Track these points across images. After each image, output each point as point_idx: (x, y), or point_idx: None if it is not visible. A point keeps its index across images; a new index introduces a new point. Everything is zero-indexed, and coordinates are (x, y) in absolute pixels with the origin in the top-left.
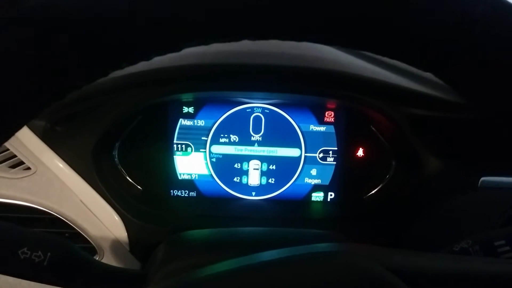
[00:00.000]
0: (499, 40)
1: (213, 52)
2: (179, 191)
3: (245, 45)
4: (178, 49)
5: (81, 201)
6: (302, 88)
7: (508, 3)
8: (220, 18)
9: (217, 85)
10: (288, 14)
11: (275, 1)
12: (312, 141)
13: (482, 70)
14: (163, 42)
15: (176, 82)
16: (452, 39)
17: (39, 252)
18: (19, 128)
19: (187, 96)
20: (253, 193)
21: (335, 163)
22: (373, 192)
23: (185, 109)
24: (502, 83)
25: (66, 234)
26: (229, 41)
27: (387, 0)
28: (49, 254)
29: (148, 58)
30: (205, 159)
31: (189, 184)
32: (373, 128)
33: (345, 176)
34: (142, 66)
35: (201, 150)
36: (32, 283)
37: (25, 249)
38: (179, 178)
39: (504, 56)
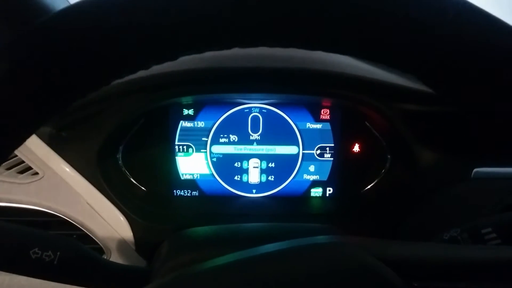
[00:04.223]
0: (469, 45)
1: (210, 57)
2: (182, 191)
3: (241, 49)
4: (174, 58)
5: (87, 203)
6: (297, 88)
7: (477, 8)
8: (212, 30)
9: (215, 88)
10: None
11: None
12: (309, 138)
13: (454, 73)
14: (161, 53)
15: (176, 86)
16: (423, 44)
17: (50, 252)
18: (28, 136)
19: (187, 99)
20: (254, 191)
21: (332, 159)
22: (370, 186)
23: (185, 112)
24: (475, 84)
25: (74, 236)
26: (221, 49)
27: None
28: (58, 253)
29: (147, 67)
30: (206, 159)
31: (191, 183)
32: (367, 124)
33: (343, 172)
34: (143, 72)
35: (202, 150)
36: (43, 285)
37: (36, 249)
38: (182, 178)
39: (476, 60)
